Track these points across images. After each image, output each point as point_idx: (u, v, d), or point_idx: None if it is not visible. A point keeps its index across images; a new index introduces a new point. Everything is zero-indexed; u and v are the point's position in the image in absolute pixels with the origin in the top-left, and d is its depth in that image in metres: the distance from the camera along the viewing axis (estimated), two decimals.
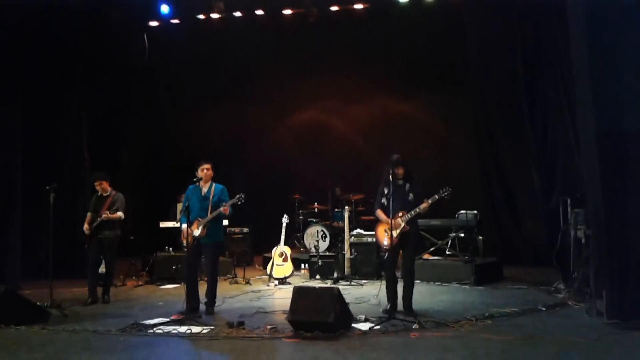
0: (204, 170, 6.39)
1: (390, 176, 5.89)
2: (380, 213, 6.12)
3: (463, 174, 10.20)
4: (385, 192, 6.06)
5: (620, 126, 5.29)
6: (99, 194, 7.26)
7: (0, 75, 8.43)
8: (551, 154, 8.86)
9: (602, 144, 5.33)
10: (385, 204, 6.04)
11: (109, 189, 7.26)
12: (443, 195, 5.84)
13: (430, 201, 5.83)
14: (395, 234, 5.88)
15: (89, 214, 7.19)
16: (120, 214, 7.11)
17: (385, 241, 6.03)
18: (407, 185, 5.96)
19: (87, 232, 7.08)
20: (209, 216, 6.21)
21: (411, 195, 5.93)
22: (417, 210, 5.82)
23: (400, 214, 5.84)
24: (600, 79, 5.39)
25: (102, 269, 7.73)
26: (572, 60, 5.94)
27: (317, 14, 10.27)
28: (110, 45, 10.21)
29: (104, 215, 6.98)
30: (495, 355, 4.49)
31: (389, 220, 5.91)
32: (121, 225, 7.26)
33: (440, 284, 7.77)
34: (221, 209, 6.17)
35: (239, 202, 6.24)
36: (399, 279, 6.08)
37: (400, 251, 6.06)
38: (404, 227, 5.86)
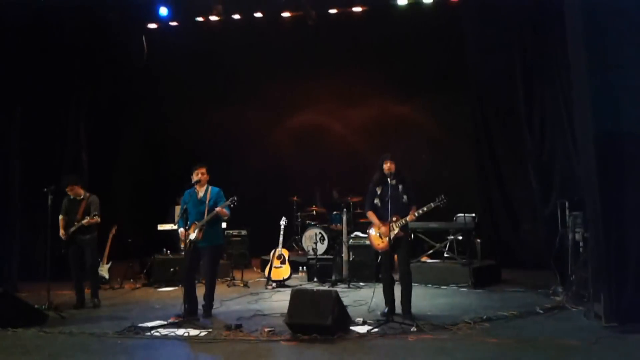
0: (199, 174, 6.37)
1: (382, 174, 5.89)
2: (372, 215, 6.08)
3: (461, 177, 10.19)
4: (378, 192, 6.03)
5: (617, 127, 5.29)
6: (72, 197, 7.05)
7: None
8: (549, 156, 8.85)
9: (600, 146, 5.32)
10: (379, 204, 6.03)
11: (82, 192, 7.07)
12: (438, 203, 5.82)
13: (421, 212, 5.83)
14: (388, 238, 5.87)
15: (61, 218, 7.00)
16: (98, 218, 6.96)
17: (379, 245, 6.02)
18: (401, 187, 5.91)
19: (63, 237, 6.93)
20: (205, 219, 6.21)
21: (405, 197, 5.91)
22: (407, 219, 5.84)
23: (394, 218, 5.79)
24: (598, 80, 5.39)
25: (102, 273, 7.72)
26: (570, 62, 5.93)
27: (315, 16, 10.25)
28: (108, 47, 10.21)
29: (84, 221, 6.80)
30: (493, 358, 4.49)
31: (381, 224, 5.92)
32: (98, 226, 7.13)
33: (438, 286, 7.75)
34: (217, 209, 6.17)
35: (232, 205, 6.25)
36: (396, 282, 6.06)
37: (395, 255, 6.03)
38: (397, 232, 5.82)
